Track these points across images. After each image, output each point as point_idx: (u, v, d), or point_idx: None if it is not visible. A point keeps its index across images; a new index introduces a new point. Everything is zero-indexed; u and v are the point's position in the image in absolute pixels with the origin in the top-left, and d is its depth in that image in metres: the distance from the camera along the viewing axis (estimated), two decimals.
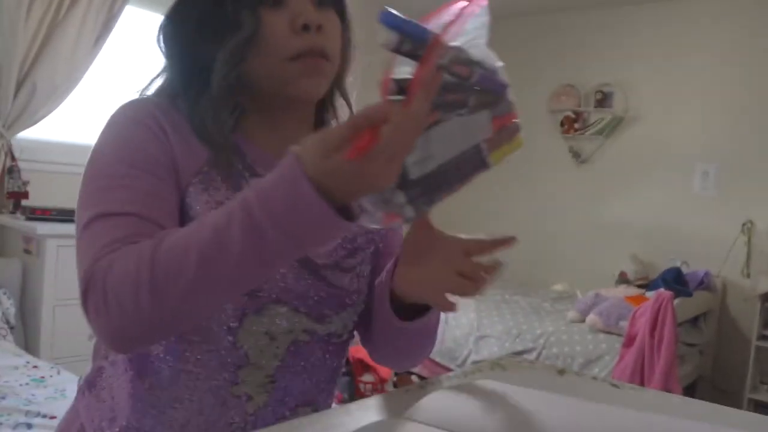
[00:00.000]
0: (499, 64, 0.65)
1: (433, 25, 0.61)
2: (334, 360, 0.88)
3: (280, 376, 0.81)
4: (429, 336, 0.86)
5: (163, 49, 0.83)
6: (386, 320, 0.81)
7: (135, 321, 0.63)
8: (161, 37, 0.83)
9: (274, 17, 0.77)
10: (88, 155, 0.77)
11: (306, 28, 0.76)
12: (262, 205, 0.60)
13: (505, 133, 0.65)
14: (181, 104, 0.80)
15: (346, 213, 0.61)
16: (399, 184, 0.62)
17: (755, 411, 3.04)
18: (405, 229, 0.73)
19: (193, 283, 0.62)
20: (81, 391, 0.86)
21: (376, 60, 0.85)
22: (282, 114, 0.84)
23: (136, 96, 0.83)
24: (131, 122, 0.76)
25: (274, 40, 0.76)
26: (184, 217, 0.76)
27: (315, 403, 0.86)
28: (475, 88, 0.62)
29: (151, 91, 0.84)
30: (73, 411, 0.87)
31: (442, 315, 0.88)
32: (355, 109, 0.90)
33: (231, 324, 0.76)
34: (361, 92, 0.91)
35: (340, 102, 0.91)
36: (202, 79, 0.80)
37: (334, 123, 0.91)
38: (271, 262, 0.63)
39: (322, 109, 0.91)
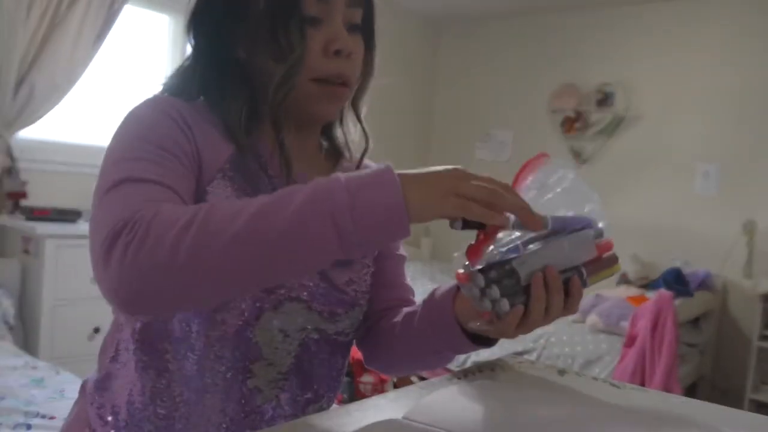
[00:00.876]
0: (588, 208, 0.72)
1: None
2: (339, 359, 0.90)
3: (291, 374, 0.83)
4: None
5: (192, 44, 0.83)
6: (442, 341, 0.81)
7: (163, 268, 0.59)
8: (191, 30, 0.83)
9: (311, 36, 0.78)
10: (109, 143, 0.75)
11: (338, 53, 0.78)
12: (341, 179, 0.60)
13: (606, 260, 0.72)
14: (200, 104, 0.81)
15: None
16: (496, 280, 0.66)
17: (756, 411, 3.03)
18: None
19: (238, 235, 0.58)
20: (90, 396, 0.86)
21: (390, 83, 0.88)
22: (293, 122, 0.85)
23: (152, 95, 0.83)
24: (157, 112, 0.76)
25: (306, 60, 0.78)
26: None
27: (321, 402, 0.88)
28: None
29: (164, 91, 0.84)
30: (80, 415, 0.87)
31: None
32: (366, 128, 0.92)
33: (249, 320, 0.77)
34: (370, 109, 0.92)
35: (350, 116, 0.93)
36: (234, 78, 0.81)
37: (340, 134, 0.93)
38: (314, 240, 0.59)
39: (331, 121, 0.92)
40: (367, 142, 0.92)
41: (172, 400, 0.79)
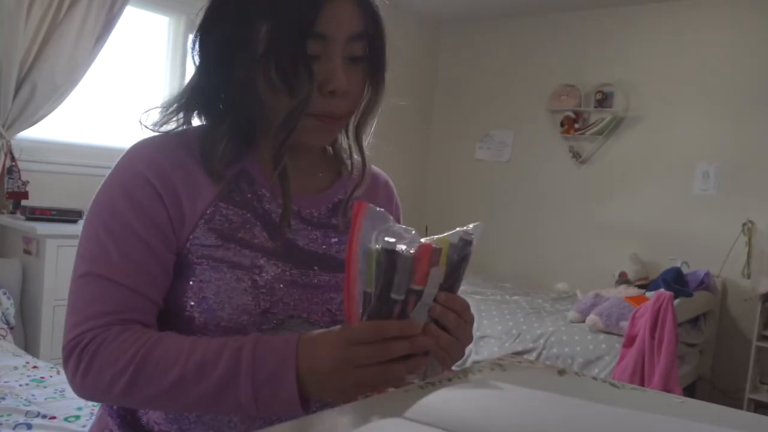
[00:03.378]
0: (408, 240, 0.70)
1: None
2: None
3: None
4: None
5: (195, 62, 0.83)
6: None
7: (104, 396, 0.74)
8: (195, 48, 0.83)
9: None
10: (96, 192, 0.80)
11: (332, 93, 0.78)
12: (250, 367, 0.68)
13: (433, 261, 0.69)
14: (192, 132, 0.83)
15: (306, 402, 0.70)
16: None
17: (755, 411, 3.04)
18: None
19: (161, 395, 0.70)
20: (110, 406, 0.87)
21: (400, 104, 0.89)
22: (293, 147, 0.85)
23: (151, 132, 0.84)
24: (137, 177, 0.78)
25: None
26: (186, 261, 0.78)
27: (332, 405, 0.88)
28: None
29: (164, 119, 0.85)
30: (102, 418, 0.89)
31: None
32: (366, 154, 0.92)
33: None
34: (377, 130, 0.92)
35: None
36: (229, 99, 0.82)
37: (345, 144, 0.93)
38: (226, 407, 0.71)
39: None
40: (364, 171, 0.93)
41: (186, 420, 0.81)
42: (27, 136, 2.91)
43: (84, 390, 0.74)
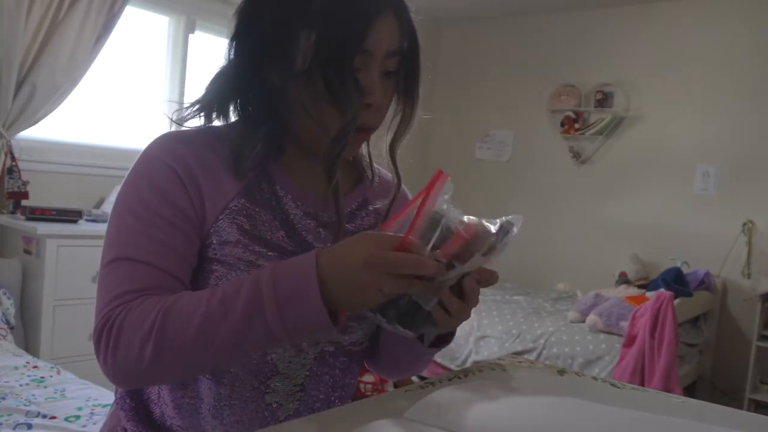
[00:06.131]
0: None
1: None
2: (355, 366, 0.92)
3: (308, 385, 0.85)
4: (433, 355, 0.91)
5: (230, 61, 0.83)
6: (408, 345, 0.84)
7: (136, 367, 0.70)
8: (231, 47, 0.83)
9: None
10: (121, 185, 0.81)
11: (369, 106, 0.79)
12: (271, 288, 0.67)
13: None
14: (216, 132, 0.83)
15: (335, 317, 0.68)
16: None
17: (755, 411, 3.04)
18: None
19: (191, 344, 0.69)
20: (122, 400, 0.88)
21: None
22: (307, 148, 0.86)
23: (173, 127, 0.85)
24: (162, 165, 0.79)
25: None
26: (203, 256, 0.79)
27: (332, 406, 0.89)
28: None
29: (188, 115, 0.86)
30: (114, 415, 0.90)
31: None
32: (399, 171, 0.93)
33: None
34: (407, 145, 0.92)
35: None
36: (261, 102, 0.83)
37: (365, 152, 0.94)
38: (258, 338, 0.68)
39: None
40: (398, 185, 0.94)
41: (197, 414, 0.82)
42: (27, 136, 2.91)
43: (116, 367, 0.72)
